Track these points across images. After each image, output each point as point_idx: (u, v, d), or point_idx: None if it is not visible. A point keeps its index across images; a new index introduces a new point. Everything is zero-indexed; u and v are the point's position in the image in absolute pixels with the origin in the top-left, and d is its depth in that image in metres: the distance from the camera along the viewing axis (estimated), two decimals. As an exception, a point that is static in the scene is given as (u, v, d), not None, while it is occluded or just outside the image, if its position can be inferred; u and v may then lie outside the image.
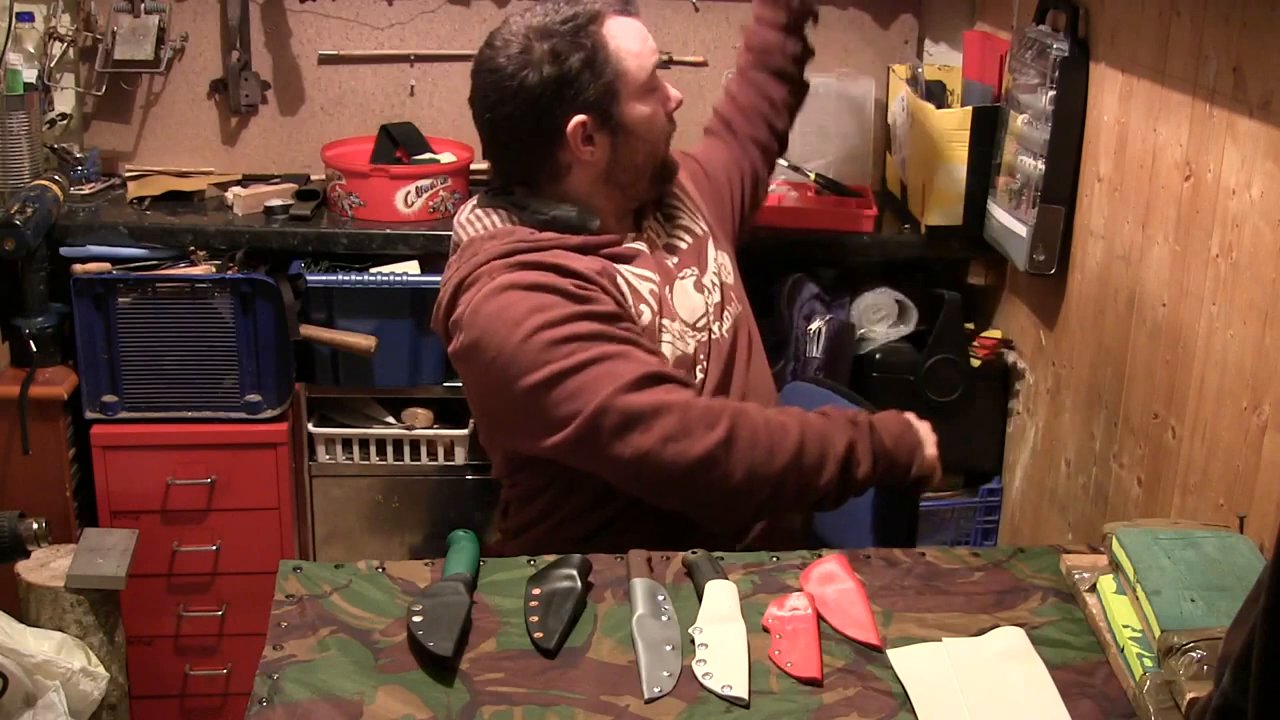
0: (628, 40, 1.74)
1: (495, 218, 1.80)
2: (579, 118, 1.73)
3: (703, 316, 1.85)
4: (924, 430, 1.78)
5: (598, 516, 1.78)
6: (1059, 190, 2.13)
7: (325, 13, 2.83)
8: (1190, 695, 1.21)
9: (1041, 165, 2.12)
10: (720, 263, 1.94)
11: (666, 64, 2.77)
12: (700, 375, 1.82)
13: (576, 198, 1.79)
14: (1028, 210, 2.17)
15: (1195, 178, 1.75)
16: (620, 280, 1.76)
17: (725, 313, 1.89)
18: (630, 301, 1.75)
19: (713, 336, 1.85)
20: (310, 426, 2.63)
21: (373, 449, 2.64)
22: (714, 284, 1.90)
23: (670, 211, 1.94)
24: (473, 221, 1.82)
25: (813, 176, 2.73)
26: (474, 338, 1.67)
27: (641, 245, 1.84)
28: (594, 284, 1.70)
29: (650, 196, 1.89)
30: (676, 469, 1.60)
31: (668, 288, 1.82)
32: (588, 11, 1.73)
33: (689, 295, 1.85)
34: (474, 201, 1.86)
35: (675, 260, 1.87)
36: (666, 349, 1.77)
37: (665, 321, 1.79)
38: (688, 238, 1.92)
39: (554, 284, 1.67)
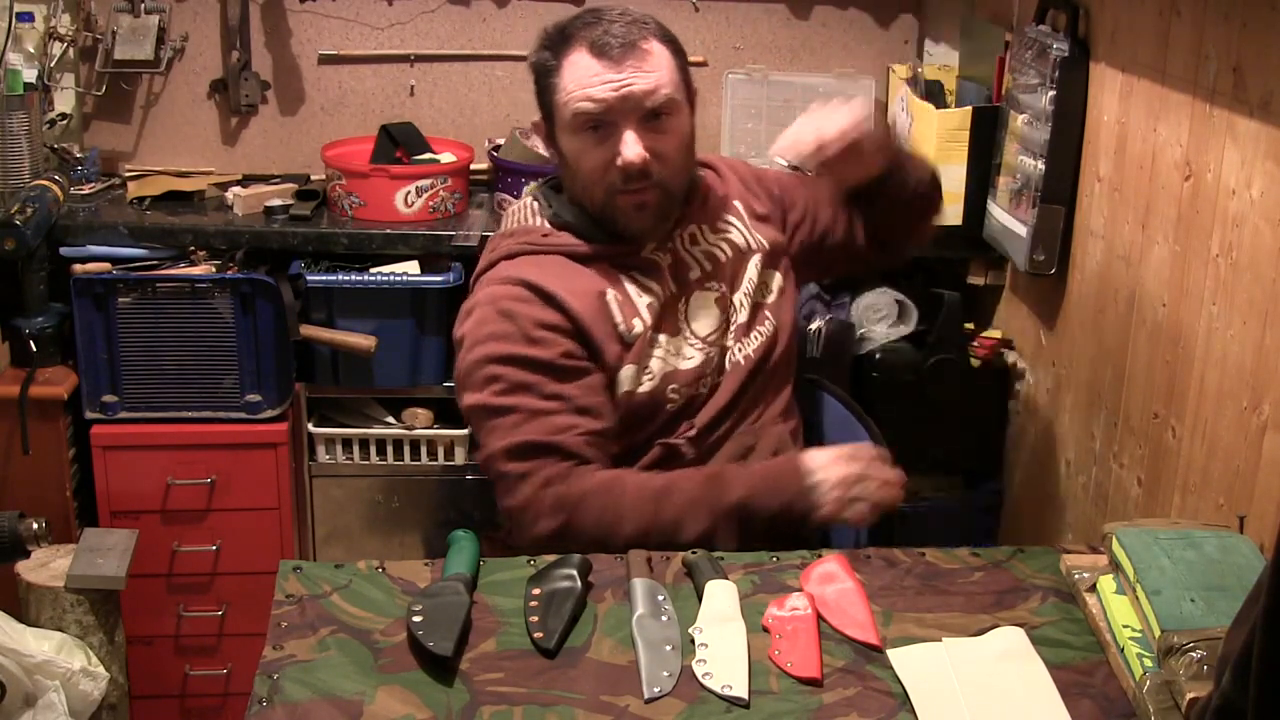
0: (574, 74, 1.74)
1: (527, 211, 1.88)
2: (539, 117, 1.86)
3: (715, 332, 1.85)
4: (827, 488, 1.68)
5: None
6: (1059, 190, 2.13)
7: (325, 13, 2.83)
8: (1190, 695, 1.21)
9: (1041, 165, 2.12)
10: (760, 280, 1.91)
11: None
12: (704, 390, 1.82)
13: (578, 196, 1.83)
14: (1028, 210, 2.17)
15: (1195, 178, 1.75)
16: (612, 294, 1.78)
17: (754, 333, 1.88)
18: (620, 316, 1.77)
19: (732, 357, 1.85)
20: (310, 426, 2.63)
21: (373, 449, 2.64)
22: (743, 302, 1.88)
23: (718, 224, 1.92)
24: (509, 215, 1.92)
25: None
26: (459, 337, 1.81)
27: (659, 256, 1.84)
28: (562, 311, 1.74)
29: (623, 230, 1.81)
30: (524, 536, 1.71)
31: (683, 300, 1.84)
32: (569, 32, 1.76)
33: (708, 308, 1.85)
34: (530, 188, 1.95)
35: (701, 272, 1.87)
36: (656, 363, 1.78)
37: (662, 336, 1.81)
38: (728, 250, 1.90)
39: (520, 314, 1.74)
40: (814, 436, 2.03)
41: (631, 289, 1.80)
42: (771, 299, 1.93)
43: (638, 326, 1.78)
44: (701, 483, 1.70)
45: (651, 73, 1.73)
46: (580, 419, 1.71)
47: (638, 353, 1.77)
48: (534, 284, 1.76)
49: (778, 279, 1.94)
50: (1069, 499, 2.21)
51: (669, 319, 1.82)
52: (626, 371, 1.77)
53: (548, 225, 1.84)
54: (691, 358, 1.82)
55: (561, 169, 1.84)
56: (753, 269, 1.91)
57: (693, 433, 1.81)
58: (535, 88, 1.82)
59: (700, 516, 1.66)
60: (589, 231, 1.82)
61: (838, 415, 2.04)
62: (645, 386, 1.78)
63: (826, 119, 1.77)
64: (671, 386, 1.79)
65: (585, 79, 1.73)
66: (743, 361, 1.86)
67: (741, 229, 1.93)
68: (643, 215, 1.79)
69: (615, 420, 1.76)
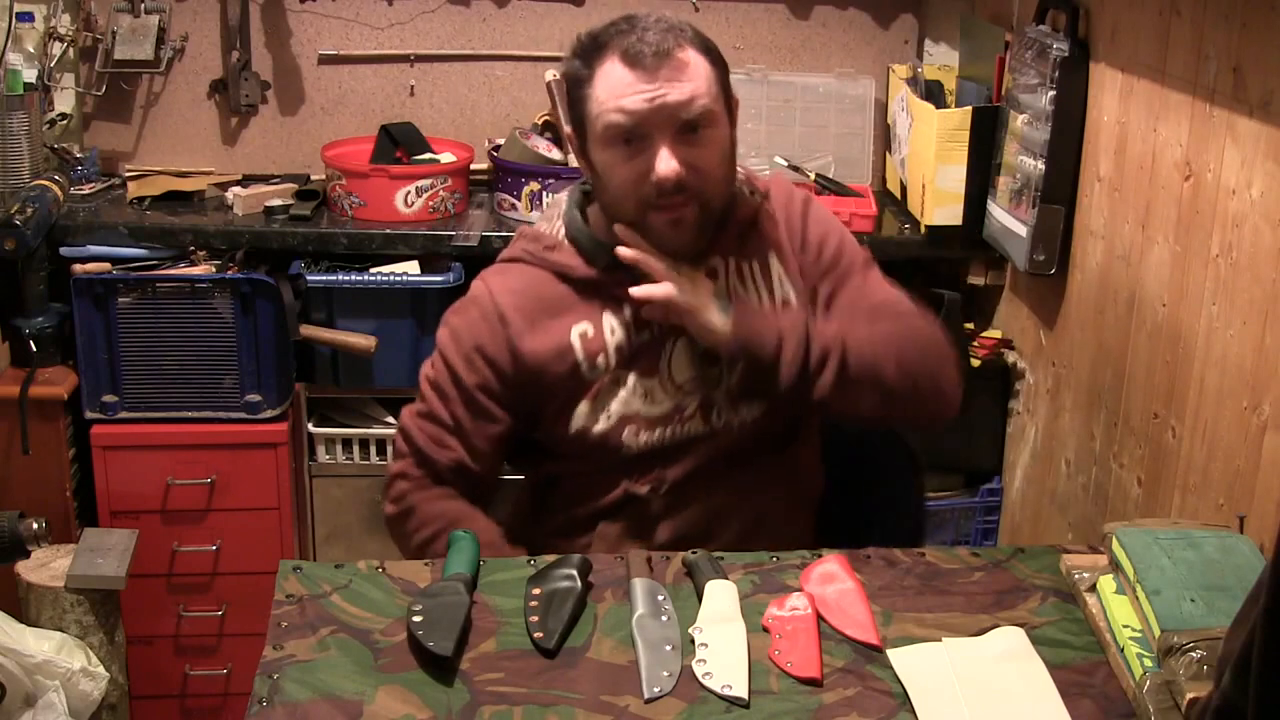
0: (607, 85, 1.64)
1: (555, 210, 1.80)
2: (570, 129, 1.76)
3: (695, 380, 1.72)
4: None
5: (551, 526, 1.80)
6: (1059, 190, 2.13)
7: (325, 13, 2.83)
8: (1190, 695, 1.21)
9: (1041, 165, 2.12)
10: None
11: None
12: (677, 439, 1.72)
13: (608, 209, 1.72)
14: (1028, 210, 2.17)
15: (1195, 178, 1.75)
16: (582, 329, 1.71)
17: (758, 399, 1.74)
18: (582, 355, 1.70)
19: (720, 417, 1.73)
20: (310, 426, 2.63)
21: (373, 449, 2.64)
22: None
23: (745, 264, 1.76)
24: (546, 208, 1.86)
25: (813, 176, 2.73)
26: None
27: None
28: (510, 347, 1.70)
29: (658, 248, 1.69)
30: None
31: (671, 341, 1.72)
32: (602, 40, 1.66)
33: (694, 354, 1.72)
34: (575, 185, 1.84)
35: None
36: (616, 404, 1.71)
37: (632, 377, 1.71)
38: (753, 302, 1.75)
39: (475, 329, 1.73)
40: (844, 446, 1.94)
41: (609, 323, 1.72)
42: None
43: (600, 366, 1.70)
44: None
45: (687, 83, 1.63)
46: (460, 448, 1.74)
47: (595, 391, 1.71)
48: (501, 309, 1.72)
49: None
50: (1069, 499, 2.21)
51: (647, 359, 1.72)
52: (581, 408, 1.71)
53: (560, 234, 1.75)
54: (661, 403, 1.72)
55: (593, 182, 1.74)
56: None
57: (662, 488, 1.72)
58: (567, 98, 1.73)
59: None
60: (593, 251, 1.72)
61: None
62: (600, 426, 1.71)
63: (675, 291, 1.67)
64: (629, 429, 1.71)
65: (618, 89, 1.63)
66: (735, 426, 1.74)
67: (764, 280, 1.76)
68: (680, 231, 1.68)
69: (495, 470, 1.78)
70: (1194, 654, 1.24)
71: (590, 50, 1.67)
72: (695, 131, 1.64)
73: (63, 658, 2.19)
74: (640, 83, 1.62)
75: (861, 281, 1.79)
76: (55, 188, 2.54)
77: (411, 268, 2.56)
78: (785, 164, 2.74)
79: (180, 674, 2.65)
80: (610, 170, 1.67)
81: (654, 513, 1.73)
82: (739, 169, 1.77)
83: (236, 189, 2.65)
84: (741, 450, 1.75)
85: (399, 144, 2.68)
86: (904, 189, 2.67)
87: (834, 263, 1.79)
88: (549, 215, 1.81)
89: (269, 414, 2.54)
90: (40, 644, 2.19)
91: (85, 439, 2.52)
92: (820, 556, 1.55)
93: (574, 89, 1.69)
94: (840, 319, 1.73)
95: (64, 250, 2.50)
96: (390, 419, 2.64)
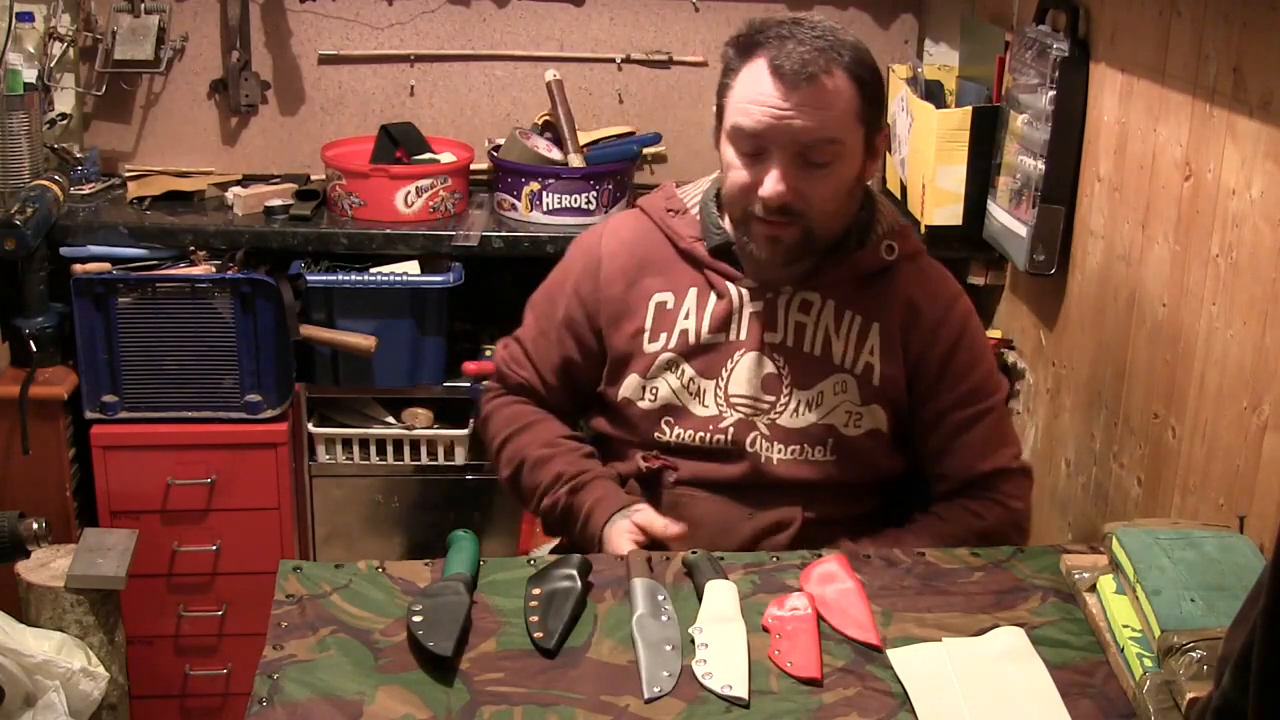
0: (745, 86, 1.63)
1: (697, 185, 1.84)
2: (716, 108, 1.74)
3: (748, 401, 1.72)
4: (616, 543, 1.66)
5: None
6: (1059, 190, 2.13)
7: (325, 13, 2.83)
8: (1190, 695, 1.21)
9: (1041, 165, 2.12)
10: (839, 406, 1.72)
11: (666, 63, 2.71)
12: (704, 447, 1.73)
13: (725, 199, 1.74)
14: (1028, 210, 2.17)
15: (1195, 178, 1.75)
16: (662, 301, 1.76)
17: (799, 447, 1.73)
18: (649, 325, 1.76)
19: (754, 446, 1.72)
20: (310, 426, 2.63)
21: (373, 449, 2.64)
22: (804, 410, 1.72)
23: (845, 312, 1.73)
24: (699, 183, 1.85)
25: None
26: None
27: (749, 298, 1.73)
28: (597, 293, 1.80)
29: (752, 256, 1.71)
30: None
31: (740, 351, 1.73)
32: (759, 39, 1.65)
33: (755, 375, 1.73)
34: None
35: (778, 342, 1.73)
36: (665, 391, 1.74)
37: (689, 369, 1.73)
38: (818, 350, 1.73)
39: (585, 269, 1.81)
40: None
41: (688, 306, 1.74)
42: (852, 430, 1.73)
43: (659, 342, 1.74)
44: (553, 480, 1.77)
45: (821, 110, 1.60)
46: (531, 370, 1.85)
47: (647, 368, 1.75)
48: (602, 255, 1.80)
49: (877, 416, 1.74)
50: (1069, 499, 2.21)
51: (712, 359, 1.73)
52: (632, 379, 1.76)
53: (691, 202, 1.80)
54: (708, 407, 1.73)
55: (720, 164, 1.74)
56: (830, 388, 1.73)
57: (671, 476, 1.75)
58: (721, 75, 1.72)
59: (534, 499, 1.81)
60: (708, 228, 1.76)
61: None
62: (644, 404, 1.75)
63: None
64: (667, 419, 1.74)
65: (752, 95, 1.62)
66: (762, 462, 1.73)
67: (859, 341, 1.73)
68: (775, 249, 1.67)
69: (565, 405, 1.87)
70: (1194, 654, 1.24)
71: (747, 44, 1.66)
72: (816, 159, 1.62)
73: (63, 658, 2.19)
74: (775, 97, 1.60)
75: (966, 427, 1.75)
76: (55, 188, 2.54)
77: (411, 268, 2.56)
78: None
79: (180, 674, 2.65)
80: (727, 166, 1.69)
81: (656, 496, 1.76)
82: (895, 223, 1.76)
83: (236, 189, 2.65)
84: (763, 484, 1.73)
85: (399, 144, 2.68)
86: (904, 189, 2.67)
87: (966, 395, 1.75)
88: (697, 183, 1.84)
89: (269, 414, 2.54)
90: (40, 644, 2.19)
91: (85, 439, 2.52)
92: (820, 556, 1.56)
93: (724, 74, 1.70)
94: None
95: (64, 250, 2.50)
96: (390, 419, 2.65)
